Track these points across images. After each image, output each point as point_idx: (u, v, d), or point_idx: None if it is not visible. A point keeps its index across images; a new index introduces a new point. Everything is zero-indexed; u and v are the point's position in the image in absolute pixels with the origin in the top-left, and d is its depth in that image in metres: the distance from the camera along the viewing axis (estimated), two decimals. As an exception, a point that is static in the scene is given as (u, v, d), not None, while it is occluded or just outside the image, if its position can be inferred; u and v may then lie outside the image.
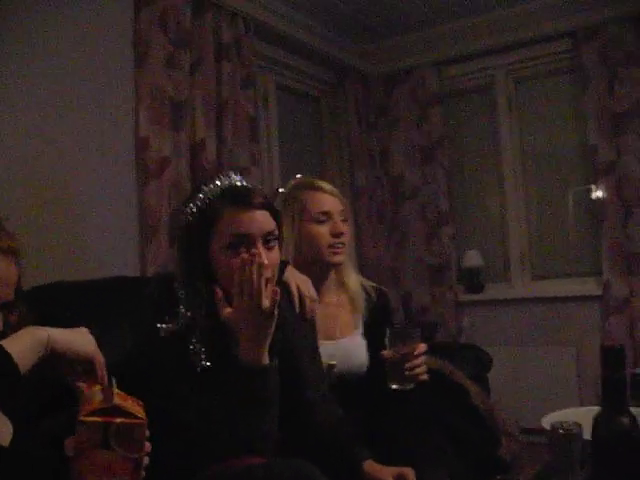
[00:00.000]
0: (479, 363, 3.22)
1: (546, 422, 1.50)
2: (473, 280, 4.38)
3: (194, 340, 1.49)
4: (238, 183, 1.53)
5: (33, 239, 2.39)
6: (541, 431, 1.53)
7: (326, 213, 1.98)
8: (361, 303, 2.08)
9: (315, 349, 1.79)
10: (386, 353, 1.79)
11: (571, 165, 4.21)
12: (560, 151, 4.25)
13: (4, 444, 1.23)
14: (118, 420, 1.13)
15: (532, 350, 4.10)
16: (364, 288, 2.10)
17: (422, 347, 1.79)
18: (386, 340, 1.81)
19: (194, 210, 1.50)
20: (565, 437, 1.30)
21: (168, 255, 2.83)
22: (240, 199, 1.48)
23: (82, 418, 1.13)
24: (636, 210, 3.73)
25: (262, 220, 1.49)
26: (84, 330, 1.31)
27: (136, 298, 2.31)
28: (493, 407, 2.32)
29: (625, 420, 1.19)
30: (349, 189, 4.43)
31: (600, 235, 3.86)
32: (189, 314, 1.50)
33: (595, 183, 3.90)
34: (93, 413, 1.14)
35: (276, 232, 1.53)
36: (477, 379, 2.89)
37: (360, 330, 2.08)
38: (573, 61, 4.05)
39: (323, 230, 1.97)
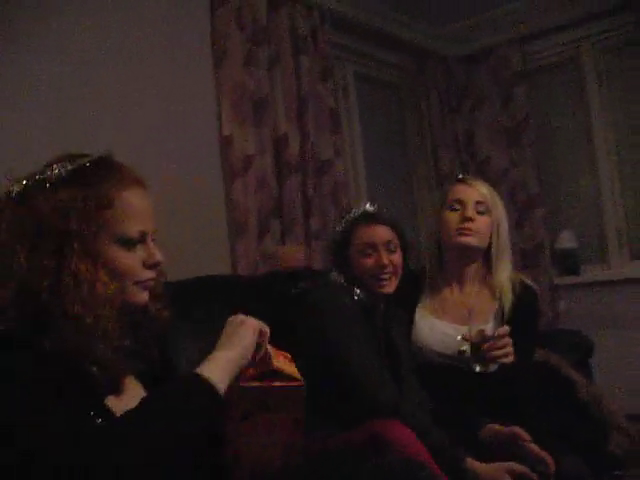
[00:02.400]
0: (580, 349, 3.10)
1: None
2: (568, 262, 4.22)
3: None
4: (368, 208, 1.98)
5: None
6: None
7: (459, 201, 2.09)
8: (506, 299, 2.09)
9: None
10: (466, 335, 1.83)
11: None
12: (656, 123, 4.04)
13: None
14: (277, 384, 1.15)
15: (635, 333, 3.92)
16: (513, 285, 2.11)
17: (503, 329, 1.80)
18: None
19: (338, 230, 2.01)
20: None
21: (257, 251, 2.85)
22: (367, 218, 1.95)
23: (242, 384, 1.14)
24: None
25: (382, 232, 1.92)
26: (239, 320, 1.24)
27: (228, 297, 2.36)
28: (601, 399, 2.23)
29: None
30: (435, 175, 4.35)
31: None
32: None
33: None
34: (253, 378, 1.15)
35: (395, 241, 1.93)
36: (579, 366, 2.79)
37: (491, 324, 2.03)
38: (666, 25, 3.84)
39: (453, 216, 2.09)
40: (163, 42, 2.71)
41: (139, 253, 1.21)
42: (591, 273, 4.21)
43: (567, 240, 4.20)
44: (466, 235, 2.05)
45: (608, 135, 4.15)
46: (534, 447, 1.64)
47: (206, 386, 1.07)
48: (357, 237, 1.93)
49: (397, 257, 1.92)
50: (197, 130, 2.82)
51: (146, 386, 1.26)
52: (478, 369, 1.79)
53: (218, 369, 1.11)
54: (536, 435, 1.69)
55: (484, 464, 1.59)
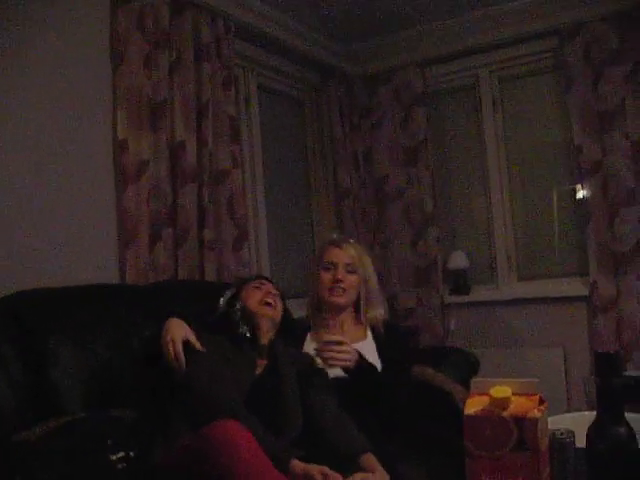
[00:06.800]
0: (467, 366, 3.18)
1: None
2: (459, 282, 4.34)
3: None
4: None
5: (11, 245, 2.34)
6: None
7: (331, 262, 2.42)
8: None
9: None
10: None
11: (556, 164, 4.17)
12: (545, 150, 4.22)
13: None
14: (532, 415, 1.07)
15: (519, 351, 4.06)
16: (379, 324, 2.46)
17: (334, 337, 2.16)
18: None
19: None
20: (558, 446, 1.25)
21: (148, 260, 2.78)
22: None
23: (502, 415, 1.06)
24: (622, 209, 3.70)
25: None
26: None
27: (116, 305, 2.31)
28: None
29: (621, 430, 1.14)
30: (333, 191, 4.39)
31: (586, 235, 3.83)
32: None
33: (580, 183, 3.88)
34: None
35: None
36: (465, 382, 2.86)
37: (370, 339, 2.42)
38: (557, 60, 4.02)
39: (326, 275, 2.42)
40: (59, 40, 2.61)
41: None
42: (480, 293, 4.33)
43: (459, 260, 4.31)
44: (337, 296, 2.39)
45: (501, 161, 4.31)
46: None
47: None
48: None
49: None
50: (90, 133, 2.71)
51: None
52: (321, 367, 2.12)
53: None
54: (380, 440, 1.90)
55: (303, 464, 1.70)
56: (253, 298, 2.19)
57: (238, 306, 2.17)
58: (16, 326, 2.01)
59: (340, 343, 2.13)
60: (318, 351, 2.12)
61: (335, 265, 2.40)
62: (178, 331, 2.00)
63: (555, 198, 4.16)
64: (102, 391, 2.09)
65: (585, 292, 3.88)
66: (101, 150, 2.76)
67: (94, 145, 2.73)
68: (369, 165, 4.51)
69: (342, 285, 2.38)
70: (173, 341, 1.96)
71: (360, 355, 2.18)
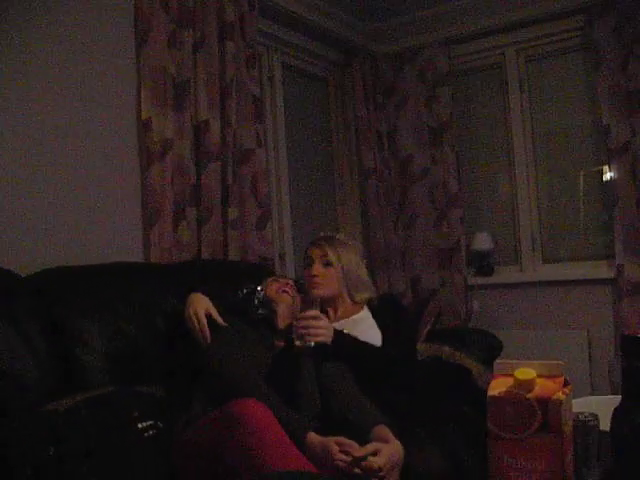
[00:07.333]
0: (489, 347, 3.17)
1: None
2: (483, 263, 4.32)
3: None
4: None
5: (36, 223, 2.36)
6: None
7: (310, 259, 2.54)
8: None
9: None
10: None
11: (583, 145, 4.12)
12: (572, 131, 4.16)
13: None
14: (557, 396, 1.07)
15: (543, 334, 4.04)
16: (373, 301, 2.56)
17: (308, 313, 2.15)
18: None
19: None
20: (582, 429, 1.25)
21: (172, 239, 2.79)
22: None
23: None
24: (651, 192, 3.65)
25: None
26: None
27: (140, 284, 2.33)
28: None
29: (647, 413, 1.13)
30: (357, 170, 4.38)
31: (613, 217, 3.78)
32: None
33: (608, 164, 3.82)
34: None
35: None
36: (487, 364, 2.85)
37: (366, 311, 2.50)
38: (586, 38, 3.95)
39: (307, 271, 2.53)
40: (83, 19, 2.61)
41: None
42: (504, 275, 4.31)
43: (483, 241, 4.28)
44: (316, 288, 2.47)
45: (526, 141, 4.26)
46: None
47: None
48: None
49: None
50: (115, 112, 2.72)
51: None
52: (297, 343, 2.10)
53: None
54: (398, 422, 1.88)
55: (320, 437, 1.72)
56: (272, 288, 2.34)
57: (259, 291, 2.26)
58: (41, 304, 2.04)
59: (316, 317, 2.16)
60: (294, 327, 2.15)
61: (312, 261, 2.54)
62: (201, 305, 2.06)
63: (581, 179, 4.10)
64: (126, 368, 2.12)
65: (611, 275, 3.83)
66: (125, 129, 2.77)
67: (118, 124, 2.74)
68: (393, 145, 4.48)
69: (316, 280, 2.50)
70: (197, 314, 2.02)
71: (337, 331, 2.23)
